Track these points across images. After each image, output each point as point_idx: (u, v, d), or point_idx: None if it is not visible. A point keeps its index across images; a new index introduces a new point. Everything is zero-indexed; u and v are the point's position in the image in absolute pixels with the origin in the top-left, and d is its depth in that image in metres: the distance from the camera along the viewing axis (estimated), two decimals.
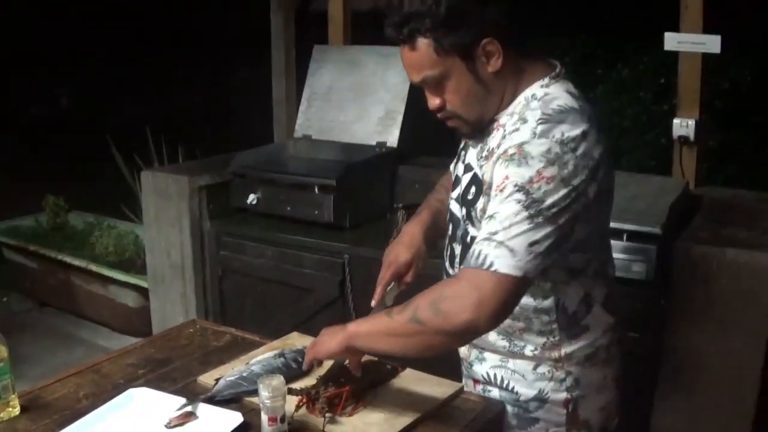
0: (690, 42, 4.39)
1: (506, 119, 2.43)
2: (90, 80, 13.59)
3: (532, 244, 2.19)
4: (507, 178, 2.25)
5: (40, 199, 7.82)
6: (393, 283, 2.81)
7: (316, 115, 5.57)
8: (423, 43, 2.35)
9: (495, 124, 2.47)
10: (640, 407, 3.49)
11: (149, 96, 12.71)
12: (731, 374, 3.46)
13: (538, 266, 2.23)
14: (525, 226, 2.19)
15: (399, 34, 2.38)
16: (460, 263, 2.59)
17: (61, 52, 13.13)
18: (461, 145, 2.74)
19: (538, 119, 2.29)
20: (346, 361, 2.52)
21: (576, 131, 2.26)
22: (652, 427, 3.67)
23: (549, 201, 2.20)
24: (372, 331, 2.39)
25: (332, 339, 2.43)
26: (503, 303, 2.21)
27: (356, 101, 5.40)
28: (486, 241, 2.23)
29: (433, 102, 2.48)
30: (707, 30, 4.38)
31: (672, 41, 4.44)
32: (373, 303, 2.77)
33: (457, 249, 2.65)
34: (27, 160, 10.51)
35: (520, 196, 2.21)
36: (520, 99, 2.43)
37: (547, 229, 2.21)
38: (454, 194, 2.69)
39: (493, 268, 2.19)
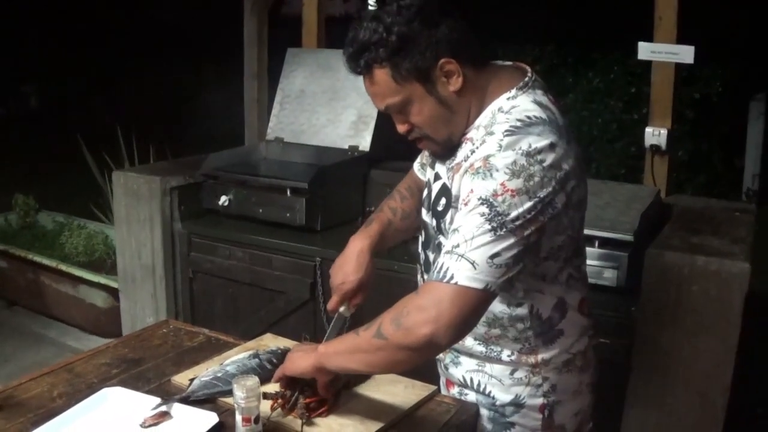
0: (664, 52, 4.42)
1: (474, 133, 2.43)
2: (59, 79, 13.54)
3: (493, 257, 2.19)
4: (472, 191, 2.25)
5: (10, 198, 7.79)
6: (344, 307, 2.81)
7: (289, 117, 5.57)
8: (381, 72, 2.37)
9: (463, 138, 2.47)
10: (610, 413, 3.51)
11: (119, 95, 12.68)
12: (701, 381, 3.49)
13: (501, 278, 2.22)
14: (487, 238, 2.19)
15: (357, 67, 2.41)
16: None
17: (30, 51, 13.08)
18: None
19: (505, 131, 2.29)
20: None
21: (543, 142, 2.25)
22: None
23: (513, 214, 2.19)
24: (340, 349, 2.40)
25: (304, 359, 2.45)
26: (463, 316, 2.21)
27: (329, 105, 5.41)
28: (448, 255, 2.23)
29: (401, 127, 2.50)
30: (680, 41, 4.42)
31: (645, 51, 4.48)
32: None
33: (431, 256, 2.66)
34: None
35: (483, 209, 2.20)
36: (487, 112, 2.42)
37: (510, 241, 2.20)
38: (424, 200, 2.71)
39: (453, 281, 2.19)
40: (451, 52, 2.35)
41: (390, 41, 2.32)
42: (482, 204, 2.21)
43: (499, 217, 2.18)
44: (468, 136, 2.44)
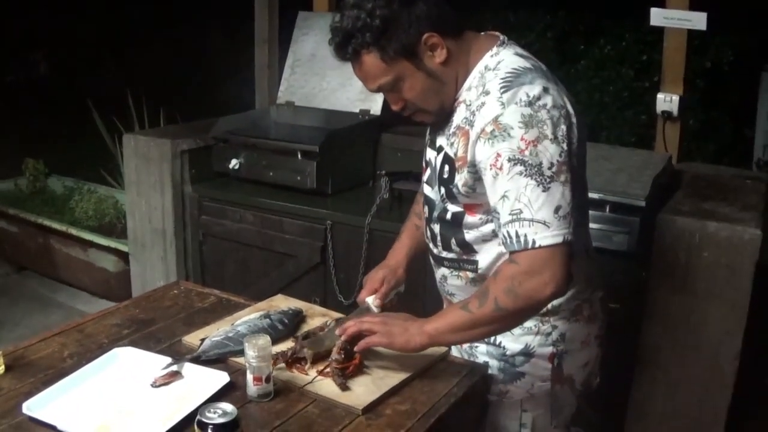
0: (676, 18, 4.41)
1: (466, 94, 2.53)
2: (69, 45, 13.52)
3: (557, 210, 2.31)
4: (498, 155, 2.34)
5: (20, 163, 7.79)
6: (371, 298, 2.90)
7: (300, 81, 5.56)
8: (369, 56, 2.46)
9: (456, 102, 2.56)
10: (619, 377, 3.52)
11: (129, 60, 12.66)
12: (711, 348, 3.49)
13: (571, 223, 2.35)
14: (541, 196, 2.30)
15: (345, 54, 2.49)
16: (442, 241, 2.71)
17: (39, 17, 13.05)
18: (428, 131, 2.81)
19: (500, 88, 2.39)
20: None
21: (537, 88, 2.37)
22: (631, 398, 3.70)
23: (545, 161, 2.30)
24: (455, 326, 2.48)
25: (411, 338, 2.49)
26: (566, 268, 2.35)
27: (340, 68, 5.28)
28: (516, 222, 2.34)
29: (395, 104, 2.60)
30: (693, 7, 4.40)
31: (658, 16, 4.46)
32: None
33: (436, 228, 2.73)
34: (6, 124, 10.45)
35: (519, 168, 2.31)
36: (475, 73, 2.53)
37: (560, 189, 2.32)
38: (426, 178, 2.79)
39: (537, 245, 2.32)
40: (432, 26, 2.45)
41: (374, 25, 2.41)
42: (515, 164, 2.32)
43: (536, 169, 2.31)
44: (461, 99, 2.55)
